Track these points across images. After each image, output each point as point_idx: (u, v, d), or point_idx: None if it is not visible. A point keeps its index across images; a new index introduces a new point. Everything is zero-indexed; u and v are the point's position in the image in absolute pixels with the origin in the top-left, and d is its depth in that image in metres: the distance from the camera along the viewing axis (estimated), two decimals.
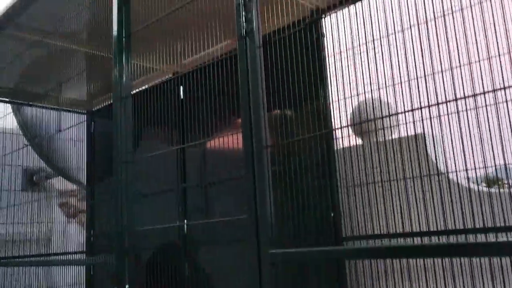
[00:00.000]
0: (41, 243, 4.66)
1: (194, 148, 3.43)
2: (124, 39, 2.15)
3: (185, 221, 3.33)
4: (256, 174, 1.40)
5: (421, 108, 2.01)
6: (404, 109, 2.63)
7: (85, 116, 4.48)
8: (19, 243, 3.97)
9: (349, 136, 2.79)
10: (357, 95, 2.65)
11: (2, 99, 3.56)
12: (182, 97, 3.52)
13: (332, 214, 2.53)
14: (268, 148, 1.42)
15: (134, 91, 2.81)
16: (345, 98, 2.65)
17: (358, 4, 2.05)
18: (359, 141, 2.83)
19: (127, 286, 1.86)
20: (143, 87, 3.53)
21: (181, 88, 3.55)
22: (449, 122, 2.46)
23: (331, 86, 2.69)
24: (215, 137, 2.05)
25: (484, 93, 1.65)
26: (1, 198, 3.38)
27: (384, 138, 2.73)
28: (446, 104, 2.48)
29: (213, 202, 3.20)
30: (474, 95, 1.56)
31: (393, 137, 2.70)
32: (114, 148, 2.01)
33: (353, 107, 2.85)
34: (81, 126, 4.52)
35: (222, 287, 2.96)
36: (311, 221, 2.15)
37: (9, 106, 4.16)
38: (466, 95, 2.05)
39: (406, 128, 2.67)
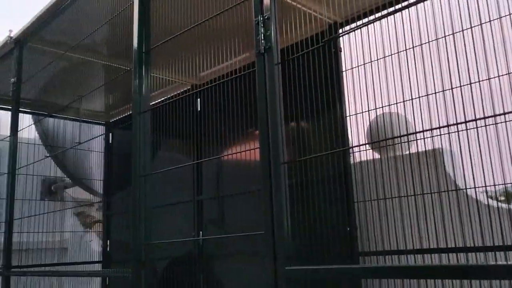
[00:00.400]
0: (57, 252, 4.71)
1: (210, 162, 3.44)
2: (144, 54, 2.18)
3: (201, 233, 3.34)
4: (273, 190, 1.40)
5: (439, 127, 2.00)
6: (422, 124, 2.62)
7: (103, 127, 4.54)
8: (36, 252, 4.00)
9: (366, 150, 2.78)
10: (375, 109, 2.64)
11: (24, 110, 3.63)
12: (199, 109, 3.55)
13: (348, 229, 2.51)
14: (285, 164, 1.42)
15: (152, 103, 2.84)
16: (362, 113, 2.65)
17: (376, 19, 2.05)
18: (376, 156, 2.81)
19: None
20: (161, 99, 3.57)
21: (198, 100, 3.58)
22: (467, 137, 2.43)
23: (348, 101, 2.69)
24: (232, 153, 2.06)
25: (504, 113, 1.63)
26: (20, 207, 3.42)
27: (402, 152, 2.71)
28: (465, 122, 2.46)
29: (229, 215, 3.21)
30: (494, 116, 1.54)
31: (411, 151, 2.68)
32: (133, 162, 2.03)
33: (370, 121, 2.84)
34: (99, 137, 4.58)
35: None
36: (327, 236, 2.14)
37: (30, 117, 4.23)
38: (485, 111, 2.03)
39: (424, 143, 2.65)
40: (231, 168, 3.32)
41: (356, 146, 2.34)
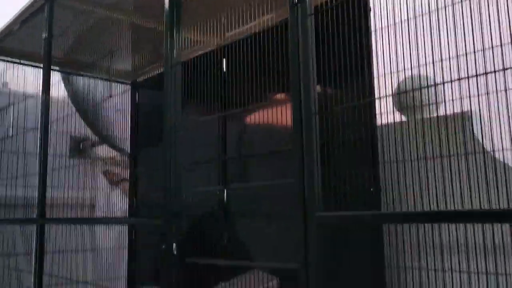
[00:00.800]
0: (85, 209, 4.88)
1: (234, 123, 3.48)
2: (175, 9, 2.19)
3: (225, 191, 3.41)
4: (305, 139, 1.42)
5: (468, 78, 1.97)
6: (451, 85, 2.58)
7: (130, 86, 4.60)
8: (66, 207, 4.15)
9: (392, 112, 2.76)
10: (403, 70, 2.61)
11: (53, 68, 3.70)
12: (224, 70, 3.56)
13: (371, 189, 2.53)
14: (316, 115, 1.44)
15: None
16: (390, 73, 2.62)
17: None
18: (402, 118, 2.80)
19: (174, 245, 1.95)
20: (187, 59, 3.58)
21: (224, 61, 3.58)
22: (497, 99, 2.40)
23: (376, 62, 2.66)
24: (262, 104, 2.08)
25: None
26: (50, 164, 3.53)
27: (428, 115, 2.69)
28: (495, 79, 2.42)
29: (253, 175, 3.25)
30: None
31: (438, 114, 2.65)
32: (164, 115, 2.08)
33: (398, 82, 2.81)
34: (125, 96, 4.66)
35: (261, 256, 3.03)
36: (351, 194, 2.18)
37: (59, 75, 4.31)
38: None
39: (453, 105, 2.61)
40: (256, 128, 3.35)
41: (383, 97, 2.32)
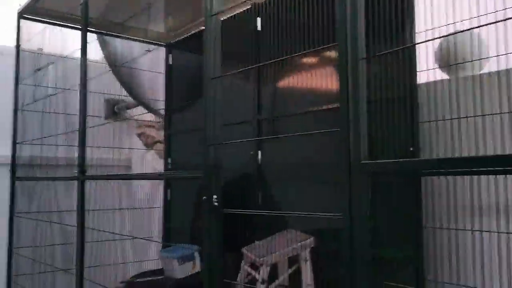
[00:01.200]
0: (122, 169, 5.00)
1: (268, 87, 3.45)
2: None
3: (259, 152, 3.42)
4: (350, 85, 1.40)
5: None
6: (496, 43, 2.48)
7: (164, 48, 4.61)
8: (103, 168, 4.26)
9: (434, 70, 2.69)
10: (446, 26, 2.52)
11: (90, 29, 3.72)
12: (259, 29, 3.51)
13: (411, 149, 2.49)
14: (364, 60, 1.40)
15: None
16: (433, 29, 2.53)
17: None
18: (446, 76, 2.72)
19: (214, 196, 1.99)
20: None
21: (259, 19, 3.53)
22: None
23: (418, 17, 2.57)
24: (307, 51, 2.04)
25: None
26: (87, 123, 3.60)
27: (473, 72, 2.61)
28: None
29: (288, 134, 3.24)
30: None
31: (483, 71, 2.57)
32: (205, 66, 2.08)
33: (441, 39, 2.72)
34: (159, 58, 4.68)
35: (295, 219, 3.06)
36: (390, 152, 2.16)
37: (95, 37, 4.34)
38: None
39: (497, 62, 2.52)
40: (292, 88, 3.32)
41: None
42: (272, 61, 2.08)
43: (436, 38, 1.99)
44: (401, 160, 1.37)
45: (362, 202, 1.32)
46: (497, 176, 2.32)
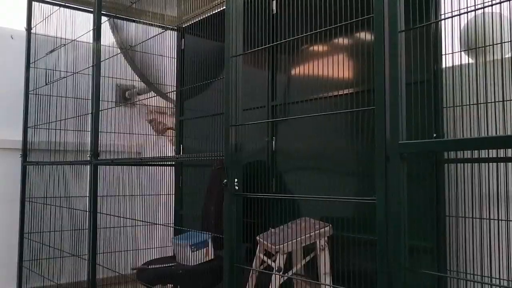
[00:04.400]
0: (133, 155, 4.96)
1: (284, 74, 3.38)
2: None
3: (274, 138, 3.35)
4: (387, 60, 1.32)
5: None
6: None
7: (176, 32, 4.53)
8: (114, 154, 4.22)
9: (459, 52, 2.60)
10: (474, 8, 2.42)
11: (103, 12, 3.65)
12: (274, 11, 3.43)
13: (434, 135, 2.41)
14: (402, 32, 1.32)
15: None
16: (459, 10, 2.43)
17: None
18: (470, 60, 2.62)
19: (236, 180, 1.93)
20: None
21: (274, 2, 3.45)
22: None
23: None
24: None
25: None
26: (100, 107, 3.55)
27: (501, 56, 2.50)
28: None
29: (302, 120, 3.16)
30: None
31: (509, 55, 2.47)
32: (226, 43, 2.01)
33: (466, 21, 2.63)
34: (171, 42, 4.60)
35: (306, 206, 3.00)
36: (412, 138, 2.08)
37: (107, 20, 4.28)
38: None
39: None
40: (307, 75, 3.24)
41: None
42: (295, 37, 2.00)
43: (464, 13, 1.89)
44: (443, 140, 1.30)
45: (400, 186, 1.25)
46: None
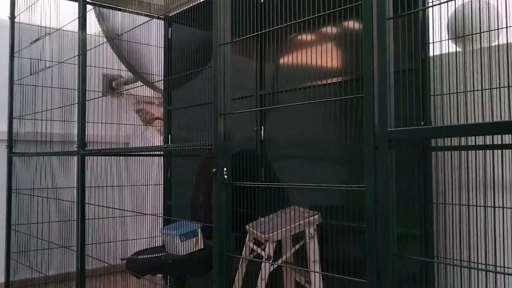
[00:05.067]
0: (120, 146, 4.92)
1: (272, 63, 3.36)
2: None
3: (263, 127, 3.35)
4: (376, 47, 1.31)
5: None
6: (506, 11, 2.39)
7: (162, 21, 4.48)
8: (101, 144, 4.19)
9: (447, 41, 2.60)
10: None
11: (88, 0, 3.60)
12: (262, 0, 3.41)
13: (422, 123, 2.42)
14: (391, 19, 1.32)
15: None
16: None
17: None
18: (458, 48, 2.63)
19: (225, 168, 1.92)
20: None
21: None
22: None
23: None
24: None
25: None
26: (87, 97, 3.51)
27: (488, 44, 2.52)
28: None
29: (290, 109, 3.16)
30: None
31: (495, 43, 2.49)
32: (214, 32, 1.99)
33: (454, 9, 2.63)
34: (158, 31, 4.55)
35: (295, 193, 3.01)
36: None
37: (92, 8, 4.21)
38: None
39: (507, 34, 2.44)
40: (294, 64, 3.23)
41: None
42: (282, 26, 1.99)
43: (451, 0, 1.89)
44: (431, 127, 1.31)
45: (388, 173, 1.25)
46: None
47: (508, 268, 2.23)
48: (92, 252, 3.56)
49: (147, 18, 4.29)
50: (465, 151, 2.43)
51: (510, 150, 2.30)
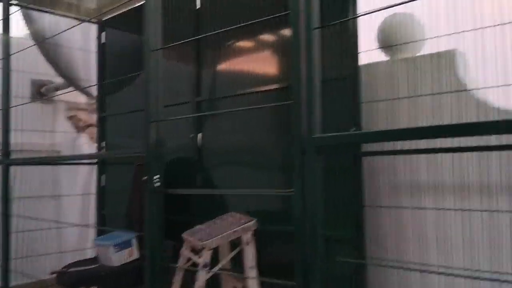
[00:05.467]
0: (49, 154, 4.70)
1: (208, 69, 3.35)
2: None
3: (200, 135, 3.33)
4: (303, 56, 1.34)
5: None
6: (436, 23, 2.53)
7: (96, 26, 4.34)
8: (28, 153, 3.98)
9: (375, 50, 2.71)
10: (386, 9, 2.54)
11: (12, 2, 3.41)
12: (198, 6, 3.40)
13: (354, 129, 2.50)
14: (317, 29, 1.35)
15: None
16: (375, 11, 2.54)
17: None
18: (386, 57, 2.75)
19: (156, 176, 1.88)
20: None
21: None
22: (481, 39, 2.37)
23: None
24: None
25: None
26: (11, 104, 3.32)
27: (413, 54, 2.65)
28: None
29: (228, 115, 3.16)
30: None
31: (422, 53, 2.62)
32: (144, 38, 1.95)
33: (382, 21, 2.75)
34: (90, 36, 4.41)
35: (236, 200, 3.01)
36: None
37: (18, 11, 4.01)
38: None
39: (436, 44, 2.58)
40: (232, 70, 3.24)
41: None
42: (215, 32, 1.99)
43: (376, 11, 1.98)
44: (356, 132, 1.35)
45: (315, 178, 1.28)
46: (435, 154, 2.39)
47: (431, 265, 2.34)
48: (18, 267, 3.35)
49: (78, 22, 4.14)
50: (394, 155, 2.54)
51: (437, 154, 2.42)
